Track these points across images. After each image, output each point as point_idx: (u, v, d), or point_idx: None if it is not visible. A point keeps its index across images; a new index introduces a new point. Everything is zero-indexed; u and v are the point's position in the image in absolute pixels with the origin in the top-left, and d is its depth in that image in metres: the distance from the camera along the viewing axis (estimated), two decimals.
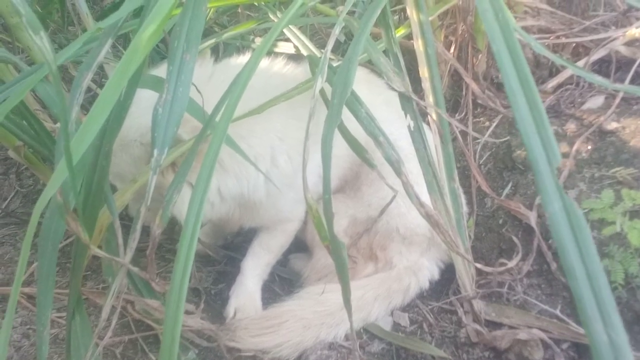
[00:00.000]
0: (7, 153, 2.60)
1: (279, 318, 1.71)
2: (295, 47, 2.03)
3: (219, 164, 1.15)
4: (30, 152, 2.00)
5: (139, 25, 1.13)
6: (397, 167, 1.29)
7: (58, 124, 2.18)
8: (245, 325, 1.70)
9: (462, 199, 1.82)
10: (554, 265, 1.72)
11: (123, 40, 2.67)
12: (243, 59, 1.81)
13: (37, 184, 2.48)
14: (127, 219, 2.08)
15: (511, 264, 1.74)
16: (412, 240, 1.86)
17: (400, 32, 1.88)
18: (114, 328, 1.78)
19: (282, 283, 2.08)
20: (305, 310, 1.72)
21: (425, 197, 1.59)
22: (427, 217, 1.35)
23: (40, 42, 0.96)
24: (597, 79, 1.52)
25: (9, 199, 2.46)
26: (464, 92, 2.24)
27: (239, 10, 2.84)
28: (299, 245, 2.25)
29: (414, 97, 1.55)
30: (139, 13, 1.35)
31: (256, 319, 1.73)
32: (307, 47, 1.95)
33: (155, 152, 1.08)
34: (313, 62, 1.67)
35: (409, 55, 1.83)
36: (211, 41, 1.97)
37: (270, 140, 1.70)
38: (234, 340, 1.67)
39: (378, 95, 1.82)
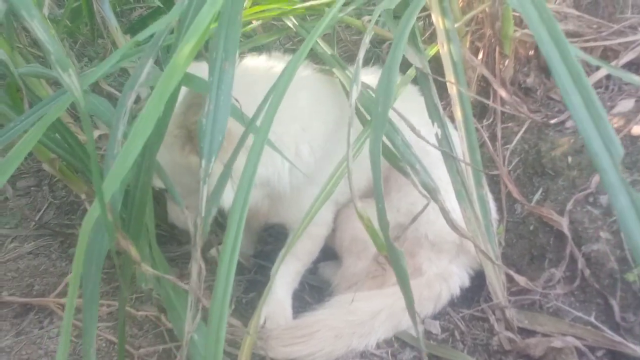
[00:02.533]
0: (39, 165, 2.66)
1: (310, 328, 1.71)
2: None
3: (246, 149, 1.17)
4: (64, 164, 2.04)
5: (175, 39, 1.15)
6: (433, 194, 1.30)
7: None
8: (277, 335, 1.71)
9: (491, 205, 1.81)
10: (587, 272, 1.70)
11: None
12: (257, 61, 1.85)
13: (70, 195, 2.53)
14: (159, 228, 2.11)
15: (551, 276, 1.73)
16: (441, 248, 1.85)
17: (432, 51, 1.88)
18: (148, 338, 1.82)
19: (312, 291, 2.09)
20: (337, 320, 1.72)
21: (454, 204, 1.61)
22: (458, 231, 1.35)
23: (68, 79, 0.98)
24: (635, 79, 1.50)
25: (42, 211, 2.51)
26: (491, 98, 2.23)
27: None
28: (329, 253, 2.26)
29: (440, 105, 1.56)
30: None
31: (288, 329, 1.73)
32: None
33: (204, 162, 1.10)
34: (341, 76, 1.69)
35: (435, 62, 1.83)
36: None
37: (295, 129, 1.74)
38: (266, 350, 1.68)
39: (409, 102, 1.82)
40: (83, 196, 2.07)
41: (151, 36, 1.29)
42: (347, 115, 1.26)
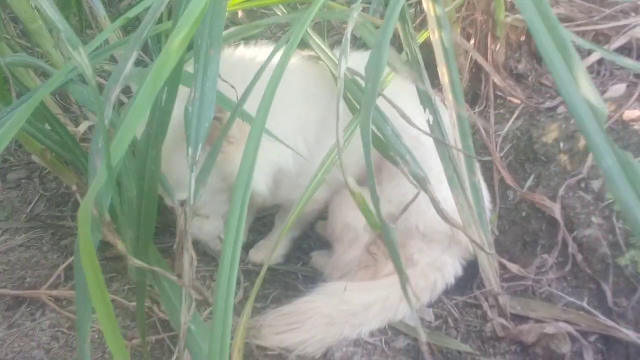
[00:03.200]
0: (29, 157, 2.64)
1: (302, 314, 1.71)
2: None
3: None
4: (54, 156, 2.03)
5: (171, 30, 1.14)
6: (423, 184, 1.29)
7: (80, 127, 2.21)
8: (270, 323, 1.71)
9: (485, 193, 1.81)
10: (579, 257, 1.70)
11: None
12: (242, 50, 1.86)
13: (61, 187, 2.51)
14: None
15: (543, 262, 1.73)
16: (432, 238, 1.84)
17: (423, 37, 1.87)
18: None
19: (305, 281, 2.09)
20: (329, 308, 1.72)
21: (445, 194, 1.60)
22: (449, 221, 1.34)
23: (79, 57, 0.97)
24: (628, 62, 1.50)
25: (33, 203, 2.49)
26: (483, 84, 2.22)
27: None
28: (322, 242, 2.26)
29: (431, 92, 1.55)
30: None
31: (281, 315, 1.73)
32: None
33: (190, 150, 1.09)
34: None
35: (426, 47, 1.82)
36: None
37: (291, 118, 1.76)
38: (259, 338, 1.68)
39: (401, 88, 1.81)
40: (74, 187, 2.06)
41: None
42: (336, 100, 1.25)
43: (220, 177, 1.75)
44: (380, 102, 1.41)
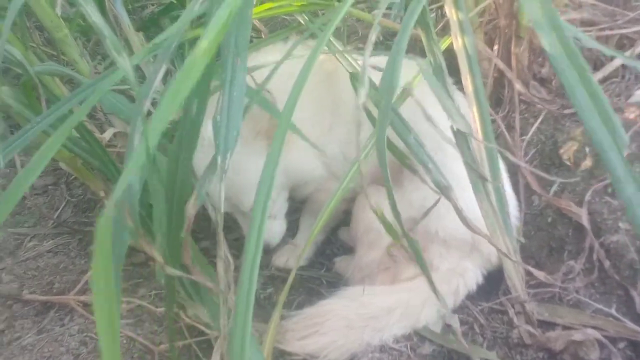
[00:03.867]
0: (56, 164, 2.67)
1: (321, 316, 1.71)
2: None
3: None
4: (81, 163, 2.06)
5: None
6: (446, 192, 1.29)
7: (105, 134, 2.24)
8: (292, 327, 1.71)
9: (511, 200, 1.80)
10: (607, 263, 1.69)
11: None
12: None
13: (87, 193, 2.54)
14: None
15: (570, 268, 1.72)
16: (451, 244, 1.83)
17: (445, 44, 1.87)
18: (167, 334, 1.83)
19: (329, 287, 2.09)
20: (348, 311, 1.72)
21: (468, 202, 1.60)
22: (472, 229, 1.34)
23: (123, 62, 0.99)
24: None
25: (60, 209, 2.52)
26: (506, 89, 2.22)
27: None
28: (345, 248, 2.27)
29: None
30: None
31: (301, 318, 1.74)
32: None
33: (219, 159, 1.10)
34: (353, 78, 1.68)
35: (448, 53, 1.82)
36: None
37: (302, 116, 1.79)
38: (282, 343, 1.68)
39: (425, 92, 1.81)
40: (102, 194, 2.08)
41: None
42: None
43: (283, 172, 1.82)
44: (403, 107, 1.42)
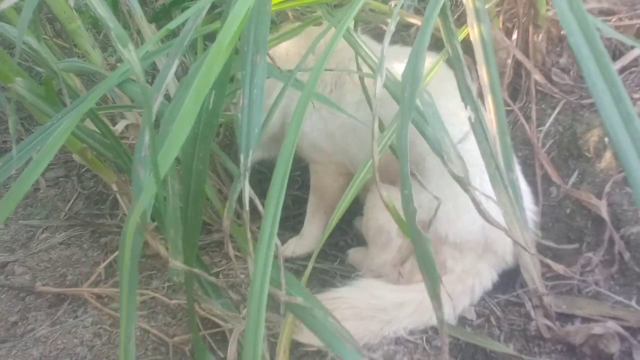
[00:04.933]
0: (67, 156, 2.67)
1: (330, 303, 1.69)
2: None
3: None
4: (94, 154, 2.04)
5: (219, 30, 1.13)
6: (464, 186, 1.27)
7: (117, 126, 2.23)
8: None
9: (526, 192, 1.78)
10: (627, 255, 1.66)
11: None
12: None
13: (98, 185, 2.54)
14: None
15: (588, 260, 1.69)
16: (464, 247, 1.80)
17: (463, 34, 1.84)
18: (182, 326, 1.83)
19: (342, 279, 2.08)
20: (358, 300, 1.70)
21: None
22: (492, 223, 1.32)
23: (128, 55, 0.98)
24: None
25: (72, 201, 2.52)
26: (523, 80, 2.18)
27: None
28: (358, 238, 2.25)
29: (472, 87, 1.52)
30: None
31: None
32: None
33: (242, 157, 1.09)
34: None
35: (466, 43, 1.79)
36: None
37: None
38: (296, 334, 1.66)
39: (441, 85, 1.79)
40: (114, 187, 2.07)
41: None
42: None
43: None
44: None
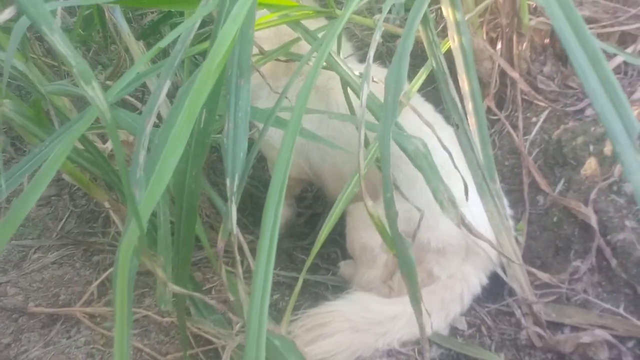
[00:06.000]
0: (59, 174, 2.67)
1: (325, 317, 1.72)
2: None
3: None
4: (84, 173, 2.05)
5: (209, 50, 1.14)
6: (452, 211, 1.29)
7: (107, 144, 2.23)
8: (298, 332, 1.71)
9: (505, 200, 1.80)
10: (614, 262, 1.68)
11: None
12: None
13: (90, 203, 2.54)
14: None
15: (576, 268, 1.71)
16: (447, 251, 1.81)
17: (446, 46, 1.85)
18: (175, 344, 1.83)
19: (334, 291, 2.08)
20: (352, 314, 1.72)
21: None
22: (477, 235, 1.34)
23: (92, 92, 0.97)
24: None
25: (64, 220, 2.52)
26: (509, 88, 2.21)
27: None
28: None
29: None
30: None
31: (306, 319, 1.74)
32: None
33: (228, 181, 1.10)
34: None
35: (449, 54, 1.81)
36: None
37: None
38: None
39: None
40: (106, 204, 2.07)
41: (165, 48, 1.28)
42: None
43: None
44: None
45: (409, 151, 1.33)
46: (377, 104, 1.55)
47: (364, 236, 1.89)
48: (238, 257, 1.16)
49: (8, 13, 0.87)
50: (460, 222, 1.27)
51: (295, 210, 2.56)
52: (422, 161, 1.31)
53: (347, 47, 2.19)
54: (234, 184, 1.10)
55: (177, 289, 1.20)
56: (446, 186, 1.30)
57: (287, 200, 2.44)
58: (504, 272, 1.76)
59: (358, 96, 1.56)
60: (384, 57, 2.83)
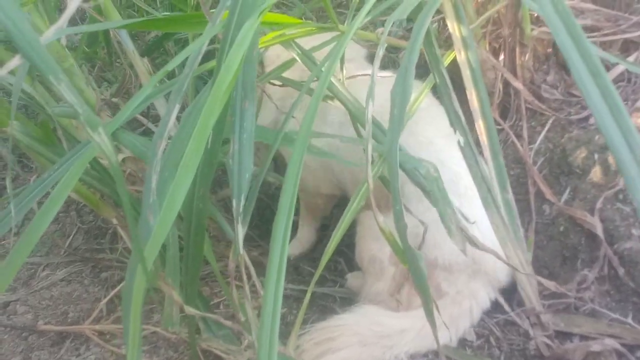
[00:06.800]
0: None
1: (333, 331, 1.72)
2: None
3: None
4: (91, 191, 2.06)
5: (214, 73, 1.15)
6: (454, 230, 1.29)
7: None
8: (306, 346, 1.71)
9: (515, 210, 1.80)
10: (621, 271, 1.68)
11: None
12: None
13: (97, 219, 2.55)
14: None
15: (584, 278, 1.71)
16: (454, 269, 1.80)
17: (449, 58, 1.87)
18: None
19: (342, 303, 2.09)
20: (361, 327, 1.72)
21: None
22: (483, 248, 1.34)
23: (99, 138, 0.99)
24: None
25: (71, 236, 2.54)
26: (512, 98, 2.21)
27: None
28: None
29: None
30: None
31: (314, 333, 1.74)
32: None
33: (234, 202, 1.10)
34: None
35: (452, 65, 1.82)
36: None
37: None
38: None
39: (427, 111, 1.81)
40: (114, 221, 2.09)
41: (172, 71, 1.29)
42: None
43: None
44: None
45: (417, 177, 1.34)
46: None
47: (374, 248, 1.89)
48: (245, 277, 1.16)
49: (14, 63, 0.88)
50: (465, 250, 1.27)
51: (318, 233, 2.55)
52: (432, 186, 1.32)
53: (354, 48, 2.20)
54: (240, 204, 1.10)
55: (192, 310, 1.20)
56: (455, 212, 1.31)
57: (315, 223, 2.48)
58: (514, 285, 1.76)
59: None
60: (387, 67, 2.83)
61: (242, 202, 1.10)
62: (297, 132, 1.11)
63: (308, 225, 2.46)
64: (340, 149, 1.98)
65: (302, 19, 1.85)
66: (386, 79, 1.42)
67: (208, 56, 1.31)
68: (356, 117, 1.64)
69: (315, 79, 1.34)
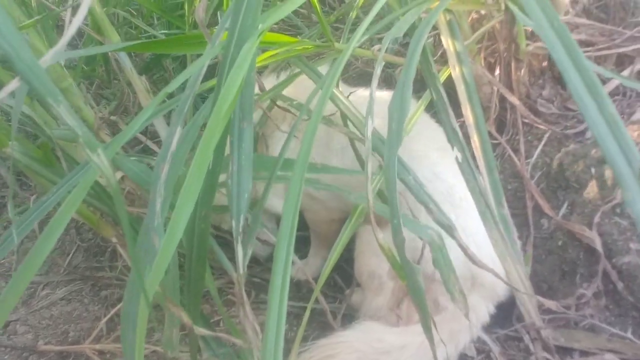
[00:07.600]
0: None
1: (333, 348, 1.71)
2: None
3: None
4: (90, 210, 2.06)
5: (214, 96, 1.16)
6: (450, 231, 1.32)
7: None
8: None
9: (512, 225, 1.80)
10: (620, 285, 1.68)
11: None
12: None
13: (97, 237, 2.55)
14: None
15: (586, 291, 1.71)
16: None
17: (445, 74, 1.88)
18: None
19: (343, 320, 2.08)
20: (361, 343, 1.71)
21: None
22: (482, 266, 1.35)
23: (98, 160, 0.99)
24: None
25: (71, 255, 2.53)
26: (509, 113, 2.23)
27: None
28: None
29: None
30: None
31: (314, 350, 1.74)
32: None
33: (234, 223, 1.11)
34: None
35: (448, 81, 1.83)
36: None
37: None
38: None
39: (424, 127, 1.83)
40: (113, 239, 2.09)
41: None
42: None
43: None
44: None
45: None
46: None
47: (372, 263, 1.89)
48: (245, 298, 1.17)
49: (13, 85, 0.89)
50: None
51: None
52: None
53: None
54: (239, 225, 1.11)
55: (202, 330, 1.20)
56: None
57: (326, 253, 2.37)
58: (513, 299, 1.76)
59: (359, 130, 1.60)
60: (382, 84, 2.85)
61: (242, 223, 1.11)
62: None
63: (320, 256, 2.42)
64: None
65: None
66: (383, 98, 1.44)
67: (207, 71, 1.32)
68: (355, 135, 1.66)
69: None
